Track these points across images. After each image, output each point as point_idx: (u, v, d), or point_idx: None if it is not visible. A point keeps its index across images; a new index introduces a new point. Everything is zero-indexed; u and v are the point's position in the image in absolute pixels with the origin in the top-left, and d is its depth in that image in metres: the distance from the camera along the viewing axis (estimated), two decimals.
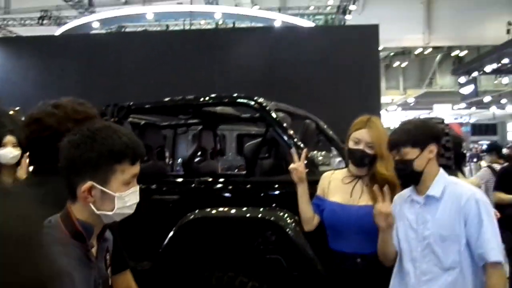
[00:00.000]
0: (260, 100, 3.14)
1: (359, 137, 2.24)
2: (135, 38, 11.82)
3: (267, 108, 3.11)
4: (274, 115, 3.08)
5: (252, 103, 3.14)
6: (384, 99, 21.86)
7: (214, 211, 2.89)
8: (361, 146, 2.23)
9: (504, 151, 6.71)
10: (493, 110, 27.54)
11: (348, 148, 2.29)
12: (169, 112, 3.82)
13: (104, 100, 3.73)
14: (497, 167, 5.00)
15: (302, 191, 2.32)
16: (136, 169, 1.32)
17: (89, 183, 1.25)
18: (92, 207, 1.26)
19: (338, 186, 2.32)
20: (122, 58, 10.04)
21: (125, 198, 1.30)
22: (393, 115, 27.90)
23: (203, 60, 9.85)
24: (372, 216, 2.04)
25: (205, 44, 10.32)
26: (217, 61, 9.88)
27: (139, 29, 17.59)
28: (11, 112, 5.11)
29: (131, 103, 3.38)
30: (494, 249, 1.83)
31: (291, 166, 2.32)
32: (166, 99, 3.45)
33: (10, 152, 3.09)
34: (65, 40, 12.20)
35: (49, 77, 10.41)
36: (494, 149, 5.63)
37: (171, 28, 17.14)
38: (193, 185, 3.10)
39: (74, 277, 1.21)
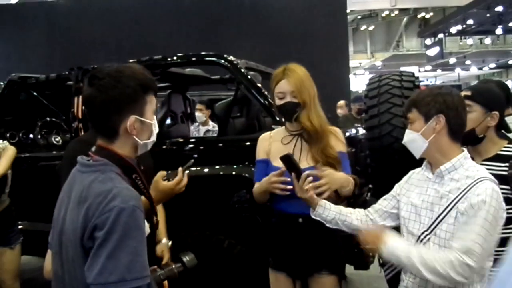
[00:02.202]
0: (230, 58, 3.08)
1: (282, 90, 2.10)
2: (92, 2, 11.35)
3: (238, 66, 3.05)
4: (245, 73, 3.03)
5: (222, 61, 3.07)
6: (351, 63, 21.94)
7: (187, 171, 2.84)
8: (287, 99, 2.09)
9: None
10: (458, 71, 28.07)
11: (276, 106, 2.15)
12: None
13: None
14: None
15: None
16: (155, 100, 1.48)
17: (133, 117, 1.37)
18: (136, 138, 1.40)
19: (279, 148, 2.16)
20: (82, 24, 9.68)
21: (156, 126, 1.46)
22: (361, 79, 28.11)
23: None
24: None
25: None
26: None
27: None
28: None
29: (96, 66, 3.26)
30: None
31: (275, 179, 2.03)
32: (132, 60, 3.34)
33: None
34: (22, 8, 11.61)
35: (8, 48, 9.98)
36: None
37: None
38: (164, 146, 3.05)
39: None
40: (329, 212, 1.92)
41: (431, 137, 1.71)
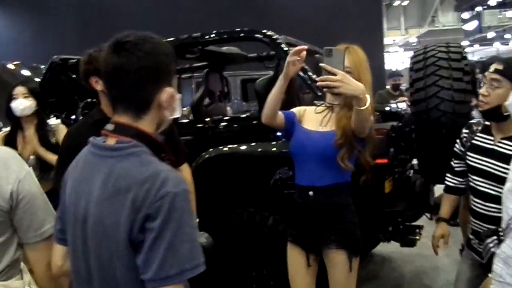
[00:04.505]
0: (270, 33, 3.03)
1: None
2: None
3: (278, 41, 3.00)
4: (285, 48, 2.98)
5: (261, 36, 3.03)
6: (385, 40, 21.42)
7: (227, 149, 2.85)
8: None
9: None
10: (497, 46, 27.05)
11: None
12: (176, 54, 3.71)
13: None
14: None
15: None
16: None
17: (169, 89, 1.21)
18: (166, 113, 1.24)
19: (311, 116, 2.27)
20: (118, 7, 9.75)
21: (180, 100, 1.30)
22: (394, 57, 27.46)
23: None
24: (330, 140, 2.05)
25: None
26: None
27: None
28: (12, 66, 5.01)
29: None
30: None
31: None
32: (170, 39, 3.33)
33: (21, 104, 3.03)
34: None
35: (44, 34, 10.17)
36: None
37: None
38: (207, 125, 3.05)
39: None
40: None
41: None
